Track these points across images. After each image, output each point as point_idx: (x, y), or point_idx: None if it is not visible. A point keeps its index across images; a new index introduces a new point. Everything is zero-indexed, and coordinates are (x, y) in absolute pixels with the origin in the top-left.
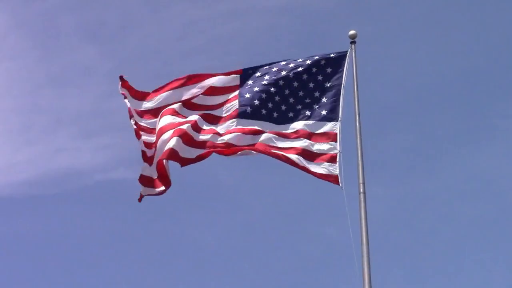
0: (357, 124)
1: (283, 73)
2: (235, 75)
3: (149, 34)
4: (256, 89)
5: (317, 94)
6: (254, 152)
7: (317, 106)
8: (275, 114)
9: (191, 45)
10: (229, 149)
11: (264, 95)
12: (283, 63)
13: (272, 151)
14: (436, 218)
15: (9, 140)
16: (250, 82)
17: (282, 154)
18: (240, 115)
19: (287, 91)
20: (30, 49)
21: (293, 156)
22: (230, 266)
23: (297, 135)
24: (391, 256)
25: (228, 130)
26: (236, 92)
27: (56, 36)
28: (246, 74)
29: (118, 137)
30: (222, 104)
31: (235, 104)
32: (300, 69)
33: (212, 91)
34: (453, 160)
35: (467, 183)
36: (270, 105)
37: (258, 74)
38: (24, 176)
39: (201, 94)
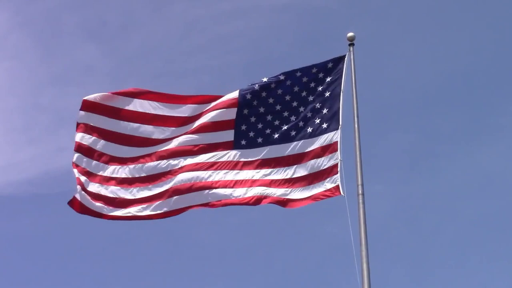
0: (356, 126)
1: (279, 92)
2: (232, 108)
3: (150, 33)
4: (253, 119)
5: (318, 106)
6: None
7: (319, 120)
8: (275, 136)
9: (193, 44)
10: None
11: (260, 125)
12: (282, 77)
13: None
14: (437, 217)
15: (11, 139)
16: (246, 111)
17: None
18: (235, 146)
19: (286, 113)
20: (32, 48)
21: (286, 191)
22: (230, 265)
23: (297, 160)
24: (392, 255)
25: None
26: (232, 117)
27: (58, 35)
28: (243, 100)
29: None
30: (214, 127)
31: (230, 134)
32: (297, 88)
33: (205, 128)
34: (455, 159)
35: (469, 182)
36: (268, 131)
37: (255, 99)
38: (26, 175)
39: (193, 133)
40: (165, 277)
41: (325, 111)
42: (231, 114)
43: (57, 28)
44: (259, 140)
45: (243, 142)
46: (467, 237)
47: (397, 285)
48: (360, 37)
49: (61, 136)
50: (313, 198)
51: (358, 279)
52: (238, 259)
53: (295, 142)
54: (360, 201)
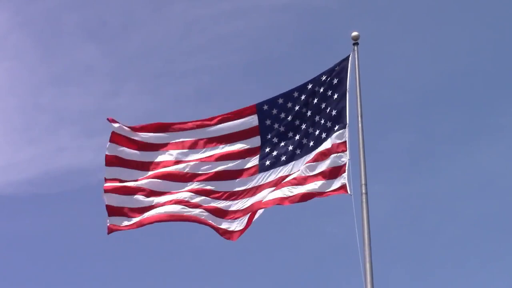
0: (360, 125)
1: (297, 108)
2: (251, 116)
3: (150, 33)
4: (275, 140)
5: (328, 110)
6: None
7: (330, 124)
8: (297, 151)
9: (193, 44)
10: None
11: (283, 143)
12: (295, 94)
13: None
14: (439, 216)
15: (11, 139)
16: (268, 135)
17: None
18: (260, 169)
19: (304, 126)
20: (32, 48)
21: (310, 186)
22: (232, 265)
23: (315, 161)
24: (393, 254)
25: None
26: (258, 144)
27: (58, 35)
28: (261, 113)
29: None
30: (241, 154)
31: (255, 159)
32: (310, 98)
33: (227, 139)
34: (456, 159)
35: (470, 182)
36: (290, 147)
37: (274, 111)
38: (26, 175)
39: (214, 144)
40: (165, 277)
41: (334, 113)
42: (256, 141)
43: (57, 28)
44: (283, 158)
45: (268, 163)
46: (468, 236)
47: (398, 284)
48: (362, 36)
49: (61, 136)
50: (315, 194)
51: (363, 278)
52: (240, 259)
53: (312, 151)
54: (364, 200)
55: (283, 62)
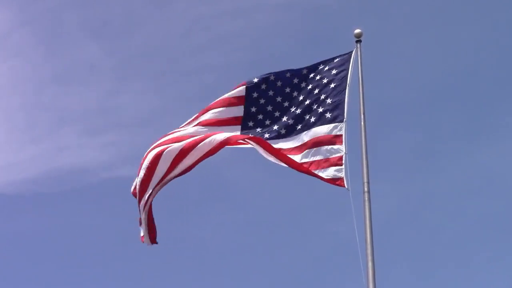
0: (362, 123)
1: (287, 90)
2: (240, 87)
3: (153, 31)
4: (260, 116)
5: (322, 97)
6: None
7: (323, 109)
8: (282, 131)
9: (196, 43)
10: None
11: (268, 121)
12: (288, 74)
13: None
14: (441, 215)
15: (13, 138)
16: (253, 109)
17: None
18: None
19: (293, 108)
20: (35, 46)
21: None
22: (233, 264)
23: (305, 147)
24: (396, 253)
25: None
26: (240, 114)
27: (60, 34)
28: (250, 85)
29: (123, 134)
30: (224, 122)
31: (237, 129)
32: (303, 83)
33: (214, 105)
34: (459, 158)
35: (473, 181)
36: (275, 127)
37: (263, 87)
38: (28, 174)
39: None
40: (166, 277)
41: (329, 101)
42: (239, 111)
43: (60, 27)
44: (266, 135)
45: (251, 134)
46: (471, 236)
47: (400, 283)
48: (365, 34)
49: (63, 135)
50: (322, 178)
51: (364, 277)
52: (241, 258)
53: (299, 134)
54: (366, 198)
55: (285, 61)
